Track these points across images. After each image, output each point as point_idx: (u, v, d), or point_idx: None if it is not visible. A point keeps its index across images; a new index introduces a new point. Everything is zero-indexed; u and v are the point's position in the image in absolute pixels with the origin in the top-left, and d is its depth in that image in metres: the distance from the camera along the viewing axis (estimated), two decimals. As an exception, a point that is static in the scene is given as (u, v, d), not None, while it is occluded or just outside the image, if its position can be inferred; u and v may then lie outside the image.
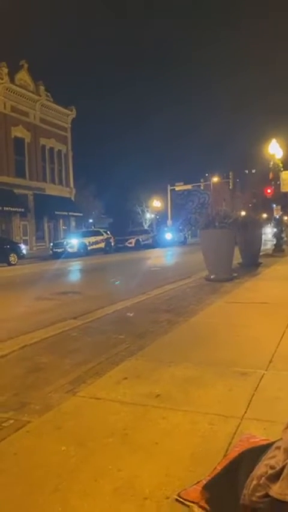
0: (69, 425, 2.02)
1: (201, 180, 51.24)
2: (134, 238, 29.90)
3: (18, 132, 29.23)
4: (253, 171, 77.11)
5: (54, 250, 23.78)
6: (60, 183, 33.80)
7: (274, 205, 16.11)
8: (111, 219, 51.48)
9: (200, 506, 1.34)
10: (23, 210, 27.97)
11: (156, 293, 6.28)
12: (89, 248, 24.39)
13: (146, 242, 30.34)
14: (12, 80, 28.42)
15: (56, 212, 31.33)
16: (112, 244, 27.00)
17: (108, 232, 28.26)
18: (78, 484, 1.53)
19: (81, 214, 35.70)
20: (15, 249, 19.88)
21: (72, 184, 35.28)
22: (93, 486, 1.52)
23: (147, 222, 48.92)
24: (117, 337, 3.72)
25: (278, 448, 1.23)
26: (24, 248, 21.40)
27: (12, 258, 18.96)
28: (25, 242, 26.99)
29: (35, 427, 2.03)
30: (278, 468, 1.15)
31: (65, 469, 1.63)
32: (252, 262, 9.56)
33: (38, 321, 4.86)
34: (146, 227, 42.55)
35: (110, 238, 27.08)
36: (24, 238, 28.62)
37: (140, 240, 30.14)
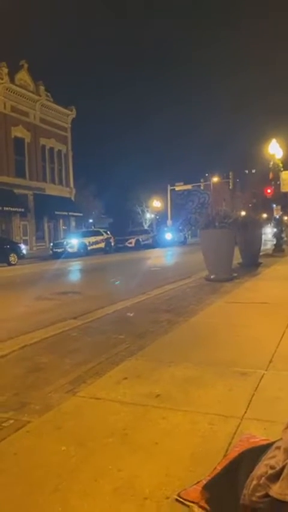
0: (69, 425, 2.02)
1: (201, 180, 51.23)
2: (134, 238, 29.90)
3: (18, 132, 29.23)
4: (253, 171, 77.14)
5: (54, 250, 23.77)
6: (60, 183, 33.80)
7: (274, 205, 16.11)
8: (111, 219, 51.50)
9: (200, 506, 1.34)
10: (23, 210, 27.97)
11: (156, 293, 6.28)
12: (89, 248, 24.39)
13: (146, 242, 30.34)
14: (12, 80, 28.43)
15: (56, 212, 31.33)
16: (112, 244, 27.00)
17: (108, 232, 28.27)
18: (78, 484, 1.53)
19: (81, 214, 35.70)
20: (15, 249, 19.88)
21: (72, 184, 35.29)
22: (93, 486, 1.52)
23: (147, 222, 48.92)
24: (117, 337, 3.72)
25: (278, 448, 1.23)
26: (24, 248, 21.40)
27: (12, 258, 18.95)
28: (25, 242, 27.00)
29: (35, 427, 2.03)
30: (278, 468, 1.15)
31: (65, 469, 1.63)
32: (252, 262, 9.56)
33: (38, 321, 4.86)
34: (146, 227, 42.54)
35: (110, 238, 27.08)
36: (24, 238, 28.62)
37: (140, 240, 30.14)
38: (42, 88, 31.13)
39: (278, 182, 15.71)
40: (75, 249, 23.14)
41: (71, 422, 2.06)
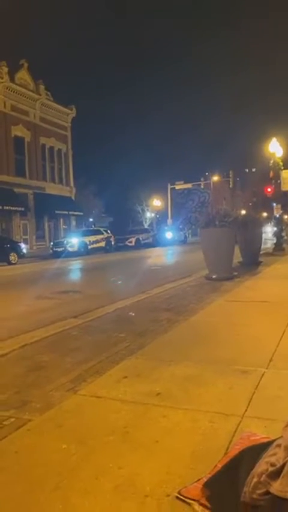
0: (70, 424, 2.03)
1: (202, 179, 51.24)
2: (134, 237, 29.90)
3: (18, 131, 29.21)
4: (253, 169, 77.09)
5: (54, 249, 23.78)
6: (61, 182, 33.79)
7: (274, 204, 16.12)
8: (112, 218, 51.50)
9: (201, 504, 1.34)
10: (23, 209, 27.98)
11: (156, 292, 6.29)
12: (89, 247, 24.39)
13: (146, 241, 30.34)
14: (12, 79, 28.41)
15: (56, 211, 31.33)
16: (112, 243, 27.02)
17: (109, 231, 28.27)
18: (79, 482, 1.54)
19: (81, 213, 35.69)
20: (16, 248, 19.88)
21: (72, 183, 35.28)
22: (94, 484, 1.52)
23: (148, 221, 48.90)
24: (117, 336, 3.73)
25: (279, 445, 1.23)
26: (24, 247, 21.40)
27: (13, 257, 18.96)
28: (25, 241, 27.00)
29: (36, 425, 2.03)
30: (278, 466, 1.15)
31: (65, 467, 1.64)
32: (253, 261, 9.56)
33: (39, 320, 4.87)
34: (146, 226, 42.54)
35: (111, 237, 27.09)
36: (24, 237, 28.63)
37: (140, 239, 30.14)
38: (42, 87, 31.11)
39: (278, 181, 15.71)
40: (75, 248, 23.15)
41: (71, 420, 2.06)
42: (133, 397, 2.30)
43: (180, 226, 36.69)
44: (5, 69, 27.45)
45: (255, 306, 4.95)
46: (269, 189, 16.24)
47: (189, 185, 45.92)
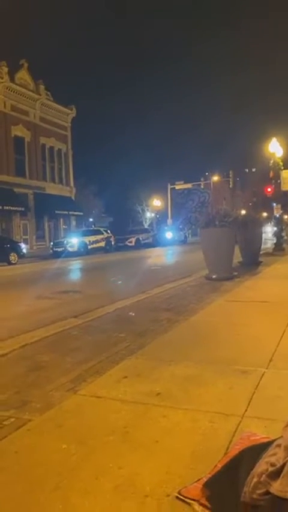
0: (70, 424, 2.03)
1: (202, 179, 51.23)
2: (134, 237, 29.90)
3: (18, 131, 29.22)
4: (253, 169, 77.10)
5: (54, 249, 23.78)
6: (61, 182, 33.79)
7: (274, 204, 16.12)
8: (112, 218, 51.49)
9: (201, 504, 1.34)
10: (23, 209, 27.98)
11: (156, 292, 6.29)
12: (89, 247, 24.39)
13: (146, 241, 30.34)
14: (12, 79, 28.41)
15: (56, 211, 31.33)
16: (112, 243, 27.01)
17: (109, 231, 28.27)
18: (79, 482, 1.54)
19: (81, 213, 35.69)
20: (16, 248, 19.88)
21: (72, 183, 35.28)
22: (94, 484, 1.52)
23: (148, 221, 48.90)
24: (117, 336, 3.73)
25: (279, 445, 1.23)
26: (24, 247, 21.40)
27: (13, 257, 18.96)
28: (25, 241, 27.00)
29: (36, 425, 2.03)
30: (278, 466, 1.15)
31: (65, 467, 1.64)
32: (253, 261, 9.57)
33: (39, 320, 4.87)
34: (146, 226, 42.53)
35: (111, 237, 27.09)
36: (24, 237, 28.63)
37: (140, 239, 30.14)
38: (42, 87, 31.11)
39: (279, 181, 15.71)
40: (75, 248, 23.15)
41: (71, 420, 2.07)
42: (133, 397, 2.30)
43: (180, 226, 36.69)
44: (5, 69, 27.45)
45: (255, 306, 4.95)
46: (269, 189, 16.24)
47: (189, 185, 45.91)
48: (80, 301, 6.66)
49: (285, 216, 19.10)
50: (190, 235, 36.26)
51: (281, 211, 15.81)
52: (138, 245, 28.91)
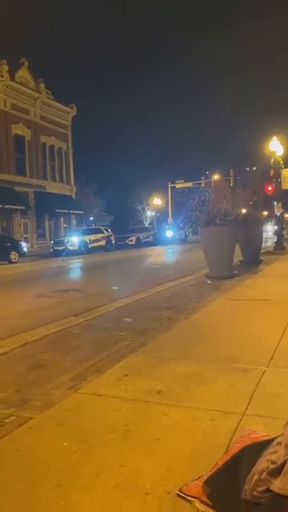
0: (71, 422, 2.03)
1: (202, 178, 51.20)
2: (134, 236, 29.89)
3: (18, 129, 29.21)
4: (254, 168, 77.03)
5: (55, 248, 23.77)
6: (61, 181, 33.79)
7: (275, 203, 16.14)
8: (112, 216, 51.49)
9: (202, 501, 1.34)
10: (23, 207, 27.99)
11: (157, 290, 6.28)
12: (89, 246, 24.38)
13: (146, 240, 30.33)
14: (12, 78, 28.39)
15: (57, 210, 31.34)
16: (113, 242, 27.00)
17: (109, 230, 28.24)
18: (80, 479, 1.54)
19: (82, 212, 35.70)
20: (16, 247, 19.88)
21: (72, 182, 35.28)
22: (95, 481, 1.53)
23: (148, 219, 48.91)
24: (118, 334, 3.73)
25: (279, 443, 1.23)
26: (25, 246, 21.38)
27: (13, 255, 18.96)
28: (26, 240, 26.98)
29: (36, 423, 2.04)
30: (279, 463, 1.16)
31: (66, 465, 1.64)
32: (253, 260, 9.57)
33: (39, 318, 4.87)
34: (146, 225, 42.53)
35: (111, 236, 27.08)
36: (25, 236, 28.64)
37: (141, 237, 30.13)
38: (42, 85, 31.09)
39: (279, 179, 15.71)
40: (75, 247, 23.16)
41: (72, 418, 2.07)
42: (134, 395, 2.31)
43: (181, 225, 36.58)
44: (6, 68, 27.44)
45: (256, 305, 4.95)
46: (269, 188, 16.24)
47: (189, 184, 45.75)
48: (81, 299, 6.66)
49: (286, 215, 19.10)
50: (191, 234, 36.22)
51: (282, 210, 15.81)
52: (139, 244, 28.91)
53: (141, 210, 49.77)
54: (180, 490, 1.42)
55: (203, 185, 51.36)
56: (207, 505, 1.33)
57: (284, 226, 15.47)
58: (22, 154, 29.54)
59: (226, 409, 2.05)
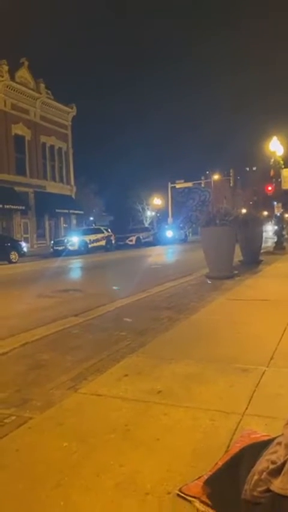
0: (71, 422, 2.03)
1: (202, 178, 51.21)
2: (134, 236, 29.89)
3: (18, 129, 29.21)
4: (254, 168, 77.06)
5: (55, 248, 23.77)
6: (61, 181, 33.79)
7: (275, 203, 16.14)
8: (112, 216, 51.49)
9: (202, 501, 1.34)
10: (23, 207, 27.99)
11: (157, 290, 6.28)
12: (89, 246, 24.38)
13: (146, 240, 30.33)
14: (12, 78, 28.39)
15: (57, 210, 31.34)
16: (113, 242, 27.01)
17: (109, 230, 28.24)
18: (80, 479, 1.54)
19: (82, 212, 35.70)
20: (16, 247, 19.88)
21: (72, 182, 35.27)
22: (95, 481, 1.52)
23: (148, 219, 48.91)
24: (118, 334, 3.73)
25: (279, 443, 1.23)
26: (25, 246, 21.38)
27: (13, 255, 18.96)
28: (26, 240, 26.98)
29: (36, 423, 2.04)
30: (279, 463, 1.16)
31: (66, 465, 1.64)
32: (253, 260, 9.57)
33: (39, 318, 4.87)
34: (146, 225, 42.53)
35: (111, 236, 27.08)
36: (25, 236, 28.63)
37: (141, 237, 30.13)
38: (42, 85, 31.08)
39: (279, 179, 15.72)
40: (75, 247, 23.16)
41: (72, 418, 2.07)
42: (134, 395, 2.31)
43: (181, 225, 36.58)
44: (5, 68, 27.44)
45: (256, 305, 4.95)
46: (269, 188, 16.24)
47: (189, 184, 45.75)
48: (81, 299, 6.66)
49: (286, 215, 19.10)
50: (191, 234, 36.22)
51: (282, 210, 15.81)
52: (139, 244, 28.91)
53: (141, 210, 49.79)
54: (180, 490, 1.42)
55: (203, 185, 51.35)
56: (207, 505, 1.33)
57: (284, 226, 15.47)
58: (22, 154, 29.54)
59: (226, 409, 2.05)
